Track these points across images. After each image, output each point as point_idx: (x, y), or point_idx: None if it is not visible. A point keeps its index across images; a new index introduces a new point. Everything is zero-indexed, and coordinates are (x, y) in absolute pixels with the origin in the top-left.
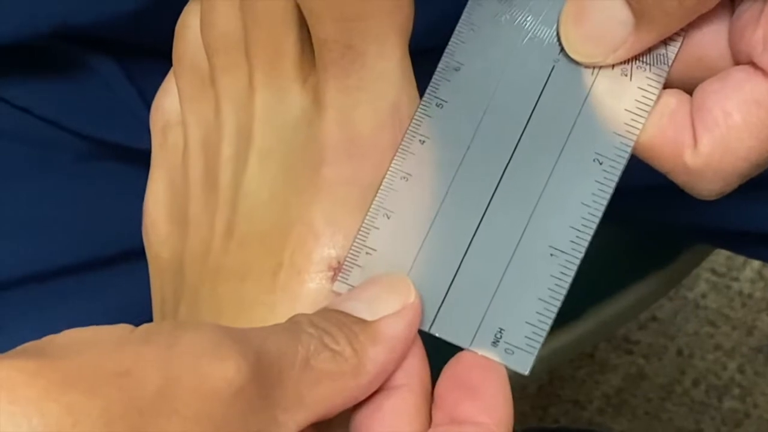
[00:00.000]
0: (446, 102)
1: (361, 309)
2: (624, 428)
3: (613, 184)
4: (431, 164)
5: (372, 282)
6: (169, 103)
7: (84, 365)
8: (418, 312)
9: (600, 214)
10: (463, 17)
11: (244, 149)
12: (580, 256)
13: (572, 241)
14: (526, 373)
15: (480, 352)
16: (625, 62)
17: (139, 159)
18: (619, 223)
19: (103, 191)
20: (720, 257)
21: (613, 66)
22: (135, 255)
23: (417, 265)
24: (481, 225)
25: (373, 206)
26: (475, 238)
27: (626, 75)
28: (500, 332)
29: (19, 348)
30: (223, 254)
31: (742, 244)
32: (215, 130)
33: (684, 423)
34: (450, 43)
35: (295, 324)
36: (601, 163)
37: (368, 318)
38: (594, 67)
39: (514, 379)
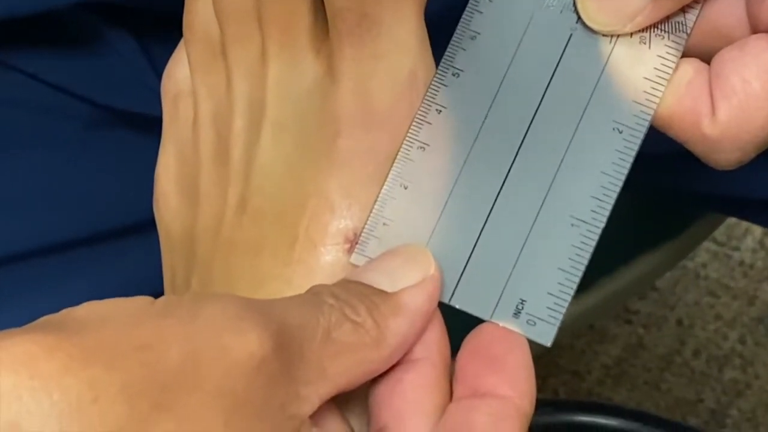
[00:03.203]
0: (463, 71)
1: (381, 281)
2: (623, 399)
3: (633, 153)
4: (448, 134)
5: (392, 253)
6: (180, 73)
7: (104, 339)
8: (438, 284)
9: (620, 183)
10: None
11: (257, 121)
12: (602, 225)
13: (593, 211)
14: (549, 344)
15: (501, 324)
16: (643, 30)
17: (150, 127)
18: (628, 192)
19: (114, 161)
20: (721, 226)
21: (631, 34)
22: (147, 226)
23: (435, 236)
24: (500, 195)
25: (389, 177)
26: (494, 208)
27: (645, 43)
28: (522, 303)
29: (37, 321)
30: (236, 228)
31: (756, 211)
32: (227, 101)
33: (684, 393)
34: (466, 11)
35: (315, 295)
36: (620, 132)
37: (388, 289)
38: (612, 36)
39: None
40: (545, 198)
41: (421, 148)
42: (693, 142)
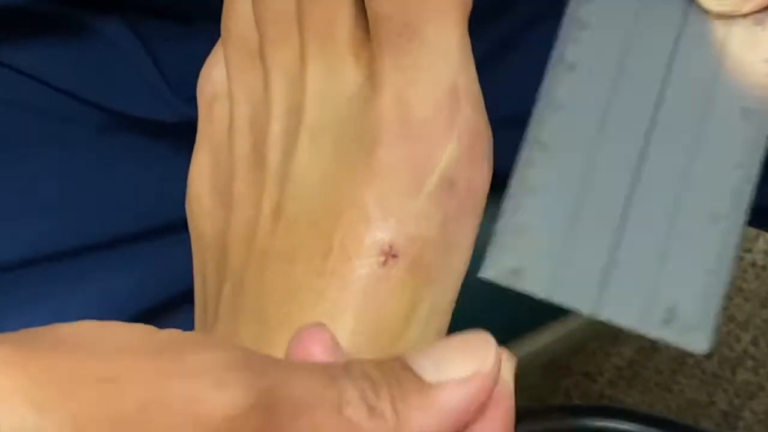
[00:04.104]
0: (576, 65)
1: (426, 366)
2: (635, 401)
3: (764, 140)
4: (568, 133)
5: (450, 339)
6: (217, 74)
7: (69, 362)
8: (493, 380)
9: (756, 173)
10: None
11: (294, 126)
12: (743, 219)
13: (732, 204)
14: (705, 351)
15: (651, 334)
16: (758, 12)
17: (158, 133)
18: None
19: (124, 167)
20: None
21: (745, 16)
22: (156, 232)
23: (566, 243)
24: (633, 195)
25: (513, 182)
26: (630, 210)
27: (759, 25)
28: (671, 310)
29: (18, 332)
30: (270, 236)
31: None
32: (264, 105)
33: (696, 395)
34: (571, 2)
35: (339, 368)
36: (748, 119)
37: (432, 379)
38: (726, 18)
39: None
40: (680, 194)
41: (541, 149)
42: None
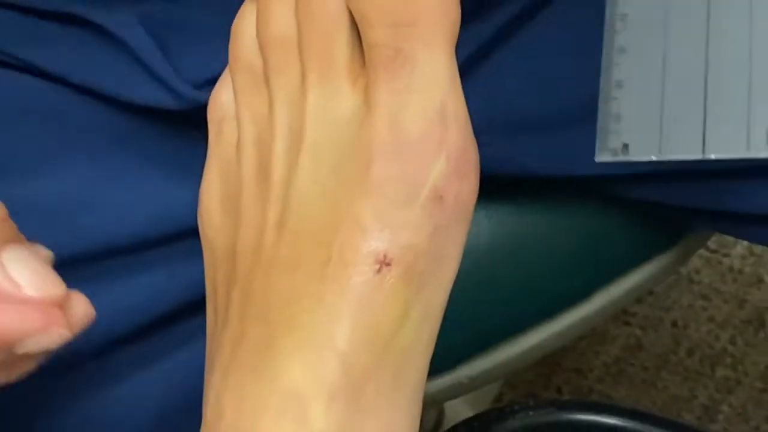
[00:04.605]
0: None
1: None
2: (622, 396)
3: None
4: (639, 37)
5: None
6: (225, 97)
7: None
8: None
9: None
10: None
11: (296, 146)
12: None
13: None
14: None
15: (760, 155)
16: None
17: (168, 127)
18: (624, 207)
19: (138, 174)
20: (713, 235)
21: None
22: (173, 238)
23: (660, 114)
24: (708, 68)
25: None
26: (708, 75)
27: None
28: None
29: None
30: (274, 246)
31: (734, 225)
32: (268, 126)
33: (679, 391)
34: None
35: None
36: None
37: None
38: None
39: (534, 354)
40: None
41: (620, 52)
42: None
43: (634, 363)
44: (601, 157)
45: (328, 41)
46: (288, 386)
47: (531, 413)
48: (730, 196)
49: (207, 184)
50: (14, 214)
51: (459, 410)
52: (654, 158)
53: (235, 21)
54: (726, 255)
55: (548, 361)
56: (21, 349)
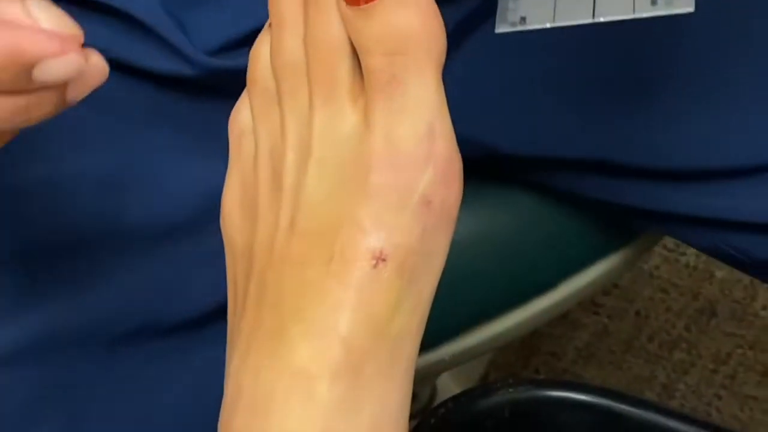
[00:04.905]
0: None
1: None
2: (592, 376)
3: None
4: None
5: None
6: (243, 117)
7: None
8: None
9: None
10: None
11: (305, 158)
12: None
13: None
14: (692, 9)
15: (644, 15)
16: None
17: (183, 95)
18: (581, 209)
19: (176, 148)
20: None
21: None
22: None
23: None
24: None
25: None
26: None
27: None
28: None
29: None
30: (286, 245)
31: (684, 230)
32: (281, 141)
33: (641, 371)
34: None
35: None
36: None
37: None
38: None
39: (508, 335)
40: None
41: None
42: None
43: (601, 347)
44: (500, 28)
45: (332, 68)
46: (297, 366)
47: (511, 390)
48: (663, 200)
49: (228, 190)
50: (60, 189)
51: (449, 387)
52: (548, 25)
53: (253, 48)
54: (683, 253)
55: (527, 345)
56: (39, 75)
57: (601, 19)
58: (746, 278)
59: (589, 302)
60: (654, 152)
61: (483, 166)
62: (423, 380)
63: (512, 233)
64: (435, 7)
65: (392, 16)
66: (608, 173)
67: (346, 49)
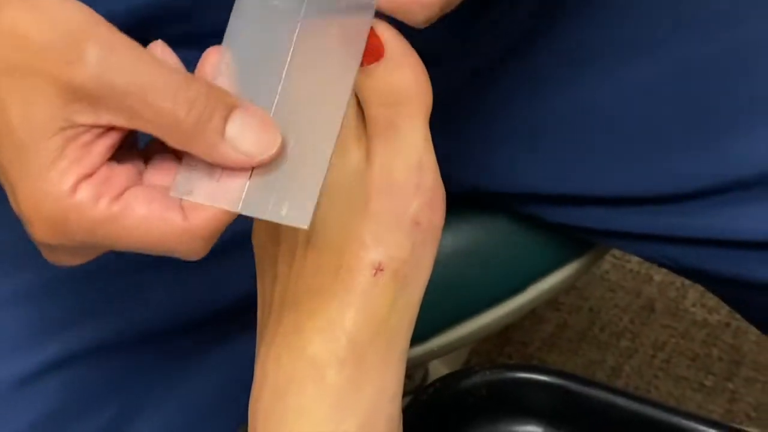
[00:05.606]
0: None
1: (233, 127)
2: (554, 360)
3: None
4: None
5: (262, 115)
6: None
7: None
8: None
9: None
10: None
11: None
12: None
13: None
14: (306, 226)
15: (274, 219)
16: None
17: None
18: (543, 227)
19: None
20: None
21: None
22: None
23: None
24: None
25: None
26: None
27: None
28: (285, 203)
29: None
30: (303, 259)
31: (630, 244)
32: None
33: (594, 356)
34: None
35: (186, 76)
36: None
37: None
38: None
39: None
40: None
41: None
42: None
43: (562, 337)
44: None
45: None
46: (311, 356)
47: (488, 373)
48: (613, 221)
49: (258, 221)
50: None
51: (439, 370)
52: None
53: None
54: (627, 261)
55: (502, 336)
56: None
57: (247, 214)
58: (679, 280)
59: (552, 300)
60: (607, 184)
61: (464, 196)
62: (417, 365)
63: (488, 247)
64: (424, 68)
65: (390, 75)
66: (570, 203)
67: (351, 101)
